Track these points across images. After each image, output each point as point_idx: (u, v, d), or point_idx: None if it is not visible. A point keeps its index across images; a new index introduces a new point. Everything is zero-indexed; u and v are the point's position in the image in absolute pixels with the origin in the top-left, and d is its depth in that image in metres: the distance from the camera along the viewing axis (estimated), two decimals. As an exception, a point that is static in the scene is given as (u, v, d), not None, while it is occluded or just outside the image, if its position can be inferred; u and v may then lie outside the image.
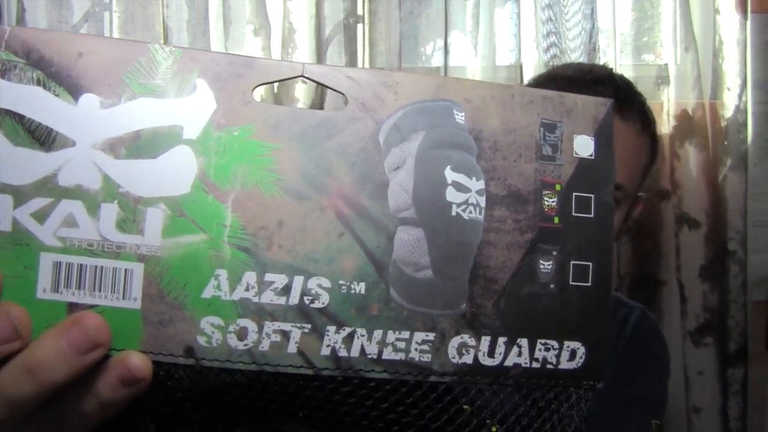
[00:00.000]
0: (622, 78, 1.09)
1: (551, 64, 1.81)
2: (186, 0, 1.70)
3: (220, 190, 0.42)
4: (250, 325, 0.43)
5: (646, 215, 1.88)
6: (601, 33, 1.80)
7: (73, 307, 0.41)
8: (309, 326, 0.43)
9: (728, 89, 1.85)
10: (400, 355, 0.44)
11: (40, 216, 0.41)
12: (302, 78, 0.44)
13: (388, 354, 0.44)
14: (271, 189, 0.43)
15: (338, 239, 0.43)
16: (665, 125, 1.87)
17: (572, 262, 0.45)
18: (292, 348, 0.43)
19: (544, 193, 0.45)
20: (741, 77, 1.85)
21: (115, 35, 1.64)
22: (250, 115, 0.43)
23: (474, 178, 0.44)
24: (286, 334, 0.43)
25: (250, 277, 0.43)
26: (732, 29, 1.84)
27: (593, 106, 0.46)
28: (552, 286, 0.45)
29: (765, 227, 1.99)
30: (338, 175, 0.43)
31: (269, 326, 0.43)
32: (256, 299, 0.43)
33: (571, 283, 0.45)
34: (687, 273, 1.88)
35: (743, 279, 1.89)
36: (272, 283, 0.43)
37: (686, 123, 1.85)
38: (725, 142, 1.86)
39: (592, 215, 0.46)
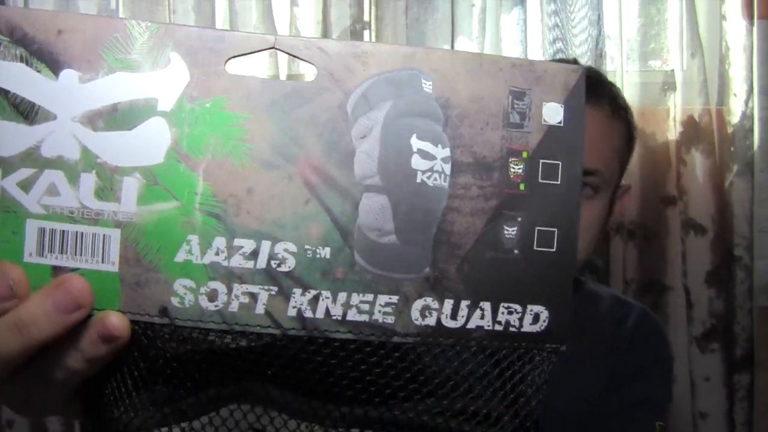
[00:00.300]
0: (590, 68, 1.09)
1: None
2: (193, 5, 1.72)
3: (192, 160, 0.44)
4: (220, 287, 0.45)
5: (652, 220, 1.88)
6: (608, 39, 1.81)
7: (57, 270, 0.44)
8: (276, 289, 0.45)
9: (735, 95, 1.86)
10: (364, 317, 0.45)
11: (25, 185, 0.43)
12: (274, 50, 0.45)
13: (353, 316, 0.45)
14: (242, 158, 0.45)
15: (305, 206, 0.45)
16: (672, 131, 1.87)
17: (537, 228, 0.46)
18: (259, 309, 0.45)
19: (510, 160, 0.46)
20: (747, 83, 1.85)
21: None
22: (222, 87, 0.45)
23: (439, 146, 0.45)
24: (254, 296, 0.45)
25: (219, 242, 0.45)
26: (738, 35, 1.84)
27: (564, 73, 0.47)
28: (516, 251, 0.46)
29: (771, 233, 1.99)
30: (306, 144, 0.45)
31: (238, 288, 0.45)
32: (225, 263, 0.45)
33: (535, 248, 0.46)
34: (693, 279, 1.88)
35: (749, 285, 1.89)
36: (241, 247, 0.45)
37: (693, 129, 1.85)
38: (732, 148, 1.86)
39: (558, 182, 0.46)
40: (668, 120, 1.87)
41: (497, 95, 0.46)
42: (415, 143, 0.45)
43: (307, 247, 0.45)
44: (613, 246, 1.84)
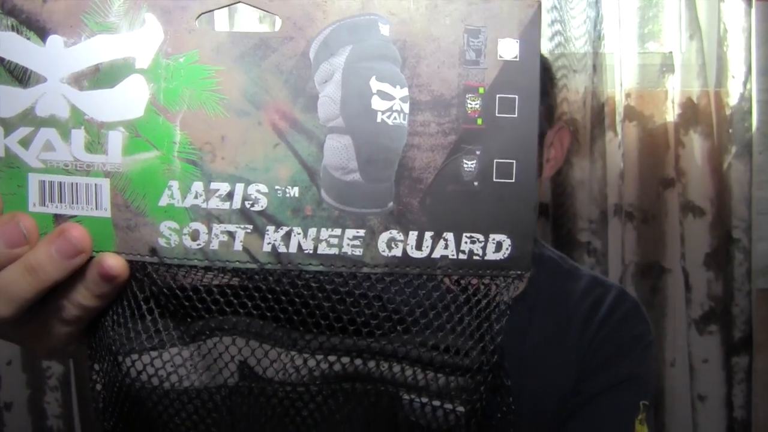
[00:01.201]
0: None
1: (556, 52, 1.82)
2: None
3: (170, 112, 0.48)
4: (200, 227, 0.49)
5: (650, 203, 1.88)
6: (606, 21, 1.81)
7: (58, 217, 0.49)
8: (251, 227, 0.48)
9: (733, 77, 1.86)
10: (334, 250, 0.49)
11: (25, 142, 0.48)
12: (241, 3, 0.48)
13: (323, 249, 0.49)
14: (215, 108, 0.48)
15: (274, 150, 0.48)
16: (670, 113, 1.87)
17: (496, 161, 0.48)
18: (237, 246, 0.49)
19: (467, 96, 0.48)
20: (746, 65, 1.85)
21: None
22: (194, 43, 0.48)
23: (398, 87, 0.48)
24: (231, 234, 0.49)
25: (198, 186, 0.48)
26: (737, 17, 1.84)
27: (519, 9, 0.49)
28: (476, 183, 0.48)
29: (770, 215, 1.99)
30: (274, 91, 0.48)
31: (217, 228, 0.49)
32: (204, 205, 0.49)
33: (494, 180, 0.48)
34: (692, 261, 1.88)
35: (748, 267, 1.89)
36: (217, 190, 0.48)
37: (691, 111, 1.85)
38: (730, 130, 1.86)
39: (516, 115, 0.48)
40: (666, 102, 1.87)
41: (453, 34, 0.48)
42: (375, 85, 0.47)
43: (277, 187, 0.48)
44: (611, 228, 1.84)
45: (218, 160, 0.48)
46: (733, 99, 1.85)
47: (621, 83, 1.82)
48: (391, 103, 0.47)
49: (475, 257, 0.49)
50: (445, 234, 0.49)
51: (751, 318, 1.91)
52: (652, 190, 1.89)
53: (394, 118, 0.48)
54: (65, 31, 0.48)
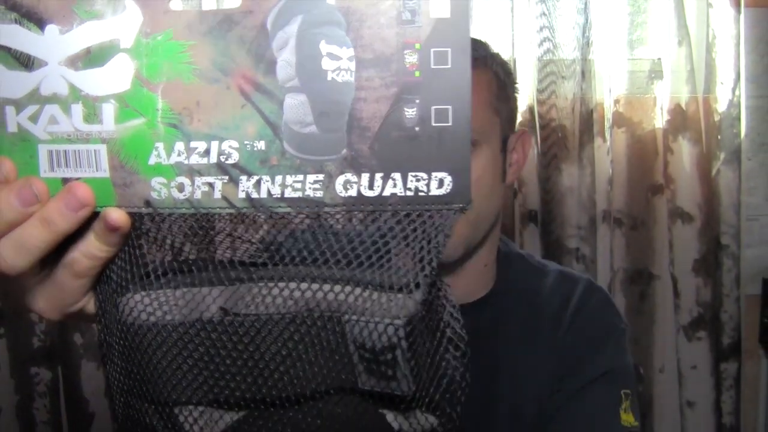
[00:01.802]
0: None
1: (545, 58, 1.82)
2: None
3: (152, 84, 0.56)
4: (185, 180, 0.57)
5: (639, 209, 1.89)
6: (595, 27, 1.82)
7: (66, 180, 0.57)
8: (227, 177, 0.57)
9: (721, 83, 1.87)
10: (298, 193, 0.56)
11: (33, 118, 0.57)
12: None
13: (289, 193, 0.56)
14: (189, 77, 0.56)
15: (242, 110, 0.56)
16: (658, 119, 1.88)
17: (433, 107, 0.55)
18: (217, 195, 0.57)
19: (405, 52, 0.55)
20: (734, 71, 1.86)
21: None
22: (169, 22, 0.56)
23: (344, 48, 0.55)
24: (211, 185, 0.57)
25: (180, 146, 0.57)
26: (725, 23, 1.85)
27: None
28: (417, 128, 0.55)
29: (758, 221, 1.99)
30: (238, 59, 0.56)
31: (198, 180, 0.57)
32: (186, 161, 0.57)
33: (433, 124, 0.55)
34: (680, 267, 1.89)
35: (737, 273, 1.90)
36: (196, 148, 0.57)
37: (679, 117, 1.86)
38: (719, 137, 1.87)
39: (449, 66, 0.55)
40: (655, 108, 1.88)
41: None
42: (324, 48, 0.55)
43: (246, 142, 0.56)
44: (600, 235, 1.85)
45: (195, 122, 0.56)
46: (721, 105, 1.87)
47: (610, 89, 1.83)
48: (338, 63, 0.55)
49: (421, 193, 0.56)
50: (393, 174, 0.56)
51: (739, 324, 1.91)
52: (641, 197, 1.90)
53: (342, 76, 0.55)
54: (60, 20, 0.56)
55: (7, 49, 0.57)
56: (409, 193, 0.56)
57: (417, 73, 0.55)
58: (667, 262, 1.90)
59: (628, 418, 1.08)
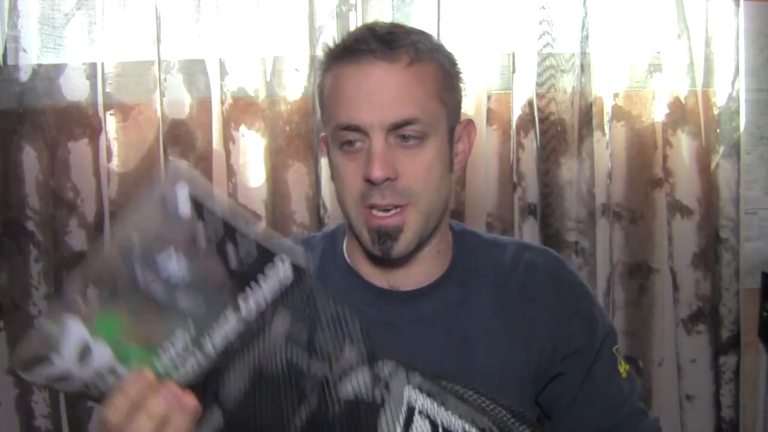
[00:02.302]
0: (388, 27, 1.09)
1: (544, 51, 1.81)
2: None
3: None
4: None
5: (638, 203, 1.88)
6: (594, 21, 1.81)
7: None
8: None
9: (721, 77, 1.86)
10: None
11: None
12: None
13: None
14: None
15: None
16: (657, 113, 1.87)
17: None
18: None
19: None
20: (734, 65, 1.85)
21: (107, 21, 1.65)
22: None
23: None
24: None
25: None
26: (724, 17, 1.84)
27: None
28: None
29: (757, 215, 1.99)
30: None
31: None
32: None
33: None
34: (679, 261, 1.88)
35: (736, 267, 1.89)
36: None
37: (679, 111, 1.85)
38: (718, 130, 1.86)
39: None
40: (654, 102, 1.87)
41: None
42: None
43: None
44: (599, 228, 1.84)
45: None
46: (720, 99, 1.86)
47: (609, 83, 1.82)
48: None
49: None
50: None
51: (739, 318, 1.91)
52: (640, 190, 1.89)
53: None
54: None
55: None
56: None
57: None
58: (667, 256, 1.89)
59: (623, 368, 1.13)
